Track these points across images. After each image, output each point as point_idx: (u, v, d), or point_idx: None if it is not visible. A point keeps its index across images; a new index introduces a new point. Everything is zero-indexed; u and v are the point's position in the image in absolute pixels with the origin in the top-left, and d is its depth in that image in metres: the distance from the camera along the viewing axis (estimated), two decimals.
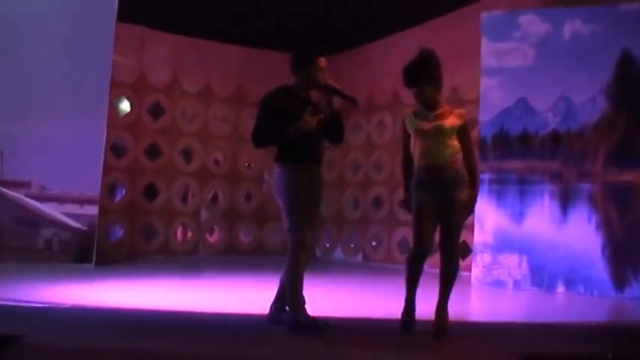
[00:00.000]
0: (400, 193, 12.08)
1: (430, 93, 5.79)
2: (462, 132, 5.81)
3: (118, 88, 11.38)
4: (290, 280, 5.56)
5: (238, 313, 6.53)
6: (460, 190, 5.74)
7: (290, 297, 5.55)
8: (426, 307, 5.84)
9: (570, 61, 9.21)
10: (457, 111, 5.88)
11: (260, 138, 5.69)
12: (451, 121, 5.79)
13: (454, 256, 5.79)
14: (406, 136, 5.88)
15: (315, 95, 5.83)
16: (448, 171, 5.73)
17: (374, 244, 12.72)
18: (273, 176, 5.73)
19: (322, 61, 5.78)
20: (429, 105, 5.82)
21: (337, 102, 5.77)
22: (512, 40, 9.84)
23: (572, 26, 9.27)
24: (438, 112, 5.81)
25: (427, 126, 5.77)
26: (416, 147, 5.81)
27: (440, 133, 5.75)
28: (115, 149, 11.84)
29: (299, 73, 5.79)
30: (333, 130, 5.80)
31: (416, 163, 5.82)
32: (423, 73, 5.79)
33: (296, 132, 5.58)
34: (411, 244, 5.81)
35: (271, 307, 5.87)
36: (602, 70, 8.93)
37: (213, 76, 12.69)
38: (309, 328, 5.44)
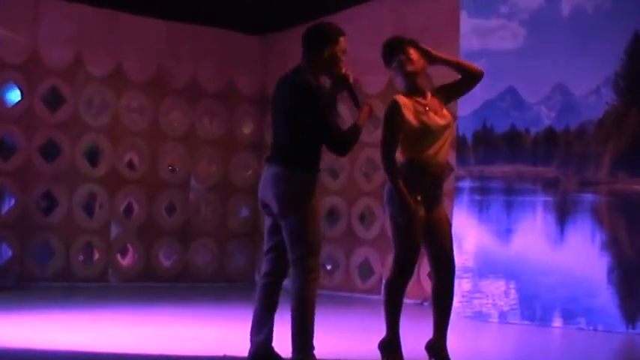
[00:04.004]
0: (359, 205, 12.09)
1: (419, 65, 5.84)
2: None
3: (4, 71, 11.22)
4: (302, 317, 5.63)
5: (156, 354, 6.46)
6: (443, 199, 5.97)
7: (301, 338, 5.60)
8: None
9: (569, 44, 9.27)
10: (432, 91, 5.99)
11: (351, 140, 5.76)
12: (448, 114, 5.94)
13: (454, 276, 5.95)
14: (400, 128, 5.79)
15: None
16: (444, 174, 5.91)
17: (328, 267, 12.69)
18: (293, 184, 5.70)
19: (345, 41, 5.81)
20: (413, 86, 5.85)
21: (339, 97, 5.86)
22: (499, 17, 9.91)
23: (573, 0, 9.35)
24: (429, 100, 5.88)
25: (440, 120, 5.82)
26: (415, 144, 5.79)
27: (448, 128, 5.90)
28: (2, 148, 11.65)
29: (318, 53, 5.77)
30: None
31: (405, 159, 5.80)
32: (409, 41, 5.91)
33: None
34: (396, 266, 5.85)
35: (259, 346, 5.82)
36: (608, 55, 8.97)
37: (127, 56, 12.56)
38: None
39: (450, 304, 5.98)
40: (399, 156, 5.80)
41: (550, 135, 9.40)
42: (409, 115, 5.74)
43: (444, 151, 5.85)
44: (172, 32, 12.89)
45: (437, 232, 5.87)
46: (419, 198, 5.72)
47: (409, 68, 5.84)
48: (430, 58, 5.95)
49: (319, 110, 5.62)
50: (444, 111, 5.90)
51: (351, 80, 5.78)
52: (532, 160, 9.52)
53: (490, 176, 9.71)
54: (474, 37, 10.00)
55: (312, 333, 5.66)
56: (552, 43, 9.37)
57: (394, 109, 5.76)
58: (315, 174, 5.77)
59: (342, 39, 5.79)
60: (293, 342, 5.64)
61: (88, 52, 12.24)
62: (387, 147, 5.77)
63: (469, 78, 6.00)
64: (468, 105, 9.73)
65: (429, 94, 5.91)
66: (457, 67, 6.01)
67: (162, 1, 12.23)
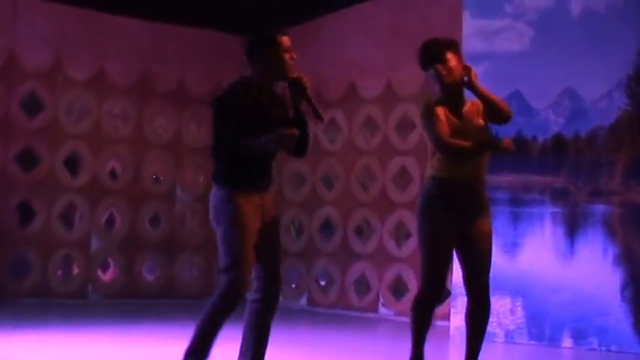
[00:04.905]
0: (356, 216, 12.00)
1: (457, 74, 5.77)
2: None
3: None
4: (201, 330, 5.57)
5: None
6: (489, 213, 5.97)
7: (190, 348, 5.56)
8: None
9: (579, 45, 9.25)
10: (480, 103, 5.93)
11: (222, 154, 5.62)
12: (481, 120, 5.90)
13: (489, 298, 6.03)
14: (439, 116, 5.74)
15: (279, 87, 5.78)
16: (483, 188, 5.93)
17: (322, 283, 12.64)
18: (212, 200, 5.71)
19: (287, 40, 5.68)
20: (451, 97, 5.80)
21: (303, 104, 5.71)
22: (504, 17, 9.89)
23: None
24: (466, 109, 5.87)
25: (474, 132, 5.78)
26: (447, 159, 5.79)
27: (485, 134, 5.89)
28: None
29: (258, 59, 5.68)
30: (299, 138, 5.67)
31: (438, 173, 5.80)
32: (449, 44, 5.87)
33: (267, 148, 5.54)
34: (422, 282, 5.92)
35: None
36: (620, 57, 8.96)
37: (109, 59, 12.52)
38: None
39: (483, 327, 6.04)
40: (432, 171, 5.83)
41: (559, 142, 9.38)
42: None
43: (480, 164, 5.86)
44: (157, 33, 12.83)
45: (473, 249, 5.90)
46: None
47: (448, 80, 5.79)
48: (466, 79, 5.83)
49: (216, 121, 5.60)
50: (480, 120, 5.85)
51: (306, 85, 5.62)
52: (540, 169, 9.49)
53: (495, 186, 9.63)
54: (478, 39, 9.96)
55: (205, 349, 5.59)
56: (561, 44, 9.38)
57: (428, 108, 5.77)
58: (235, 189, 5.62)
59: (281, 38, 5.65)
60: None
61: (68, 54, 12.20)
62: (437, 135, 5.71)
63: (495, 118, 5.90)
64: None
65: (468, 103, 5.87)
66: (487, 102, 5.85)
67: (147, 0, 12.17)
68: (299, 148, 5.75)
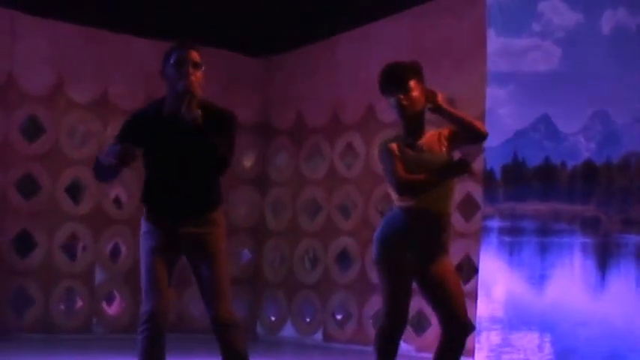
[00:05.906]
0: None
1: (418, 106, 5.79)
2: None
3: None
4: None
5: None
6: (448, 252, 5.99)
7: None
8: None
9: (610, 65, 9.24)
10: (443, 132, 5.94)
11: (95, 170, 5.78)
12: (443, 148, 5.91)
13: (465, 339, 5.96)
14: (397, 158, 5.80)
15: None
16: (448, 221, 5.92)
17: (339, 317, 12.63)
18: None
19: (184, 54, 5.76)
20: (411, 128, 5.84)
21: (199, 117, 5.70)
22: (530, 35, 9.90)
23: (614, 17, 9.32)
24: (425, 139, 5.88)
25: (426, 156, 5.82)
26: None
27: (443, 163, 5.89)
28: None
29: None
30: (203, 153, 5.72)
31: (404, 203, 5.84)
32: (411, 69, 5.83)
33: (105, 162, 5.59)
34: (385, 320, 5.92)
35: None
36: None
37: (114, 80, 12.54)
38: None
39: None
40: (397, 202, 5.90)
41: (589, 169, 9.36)
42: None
43: (443, 197, 5.86)
44: (162, 53, 12.85)
45: (442, 289, 5.88)
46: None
47: (408, 113, 5.82)
48: (432, 105, 5.86)
49: None
50: (442, 148, 5.88)
51: (187, 90, 5.68)
52: (569, 197, 9.48)
53: (522, 215, 9.65)
54: (503, 58, 9.97)
55: None
56: (591, 64, 9.37)
57: (383, 148, 5.85)
58: (147, 213, 5.81)
59: (174, 52, 5.80)
60: None
61: (70, 75, 12.21)
62: (392, 176, 5.78)
63: (470, 138, 5.91)
64: (496, 135, 9.66)
65: (427, 133, 5.90)
66: (461, 123, 5.87)
67: (153, 18, 12.21)
68: (213, 165, 5.77)
